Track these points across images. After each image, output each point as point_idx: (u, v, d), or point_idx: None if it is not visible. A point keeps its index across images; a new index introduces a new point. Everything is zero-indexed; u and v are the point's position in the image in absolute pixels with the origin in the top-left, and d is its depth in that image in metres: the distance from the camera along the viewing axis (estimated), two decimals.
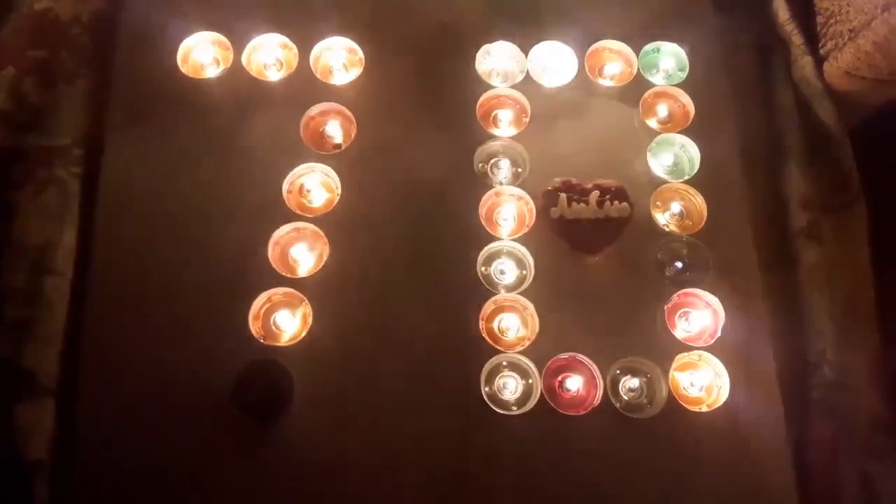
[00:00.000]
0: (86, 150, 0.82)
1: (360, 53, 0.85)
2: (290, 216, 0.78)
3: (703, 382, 0.74)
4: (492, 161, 0.83)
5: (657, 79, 0.87)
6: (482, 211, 0.80)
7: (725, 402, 0.72)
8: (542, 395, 0.73)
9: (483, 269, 0.78)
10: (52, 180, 0.80)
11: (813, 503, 0.73)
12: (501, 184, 0.81)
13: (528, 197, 0.80)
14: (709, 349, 0.75)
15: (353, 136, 0.82)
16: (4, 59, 0.82)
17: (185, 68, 0.84)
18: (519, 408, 0.73)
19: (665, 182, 0.81)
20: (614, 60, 0.87)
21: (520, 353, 0.74)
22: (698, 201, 0.81)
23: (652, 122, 0.85)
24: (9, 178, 0.79)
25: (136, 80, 0.83)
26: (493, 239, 0.79)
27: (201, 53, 0.85)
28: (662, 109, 0.85)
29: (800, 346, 0.79)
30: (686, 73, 0.86)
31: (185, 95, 0.83)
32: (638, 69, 0.86)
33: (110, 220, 0.78)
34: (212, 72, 0.84)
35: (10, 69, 0.81)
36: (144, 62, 0.84)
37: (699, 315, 0.76)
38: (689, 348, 0.75)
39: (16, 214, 0.78)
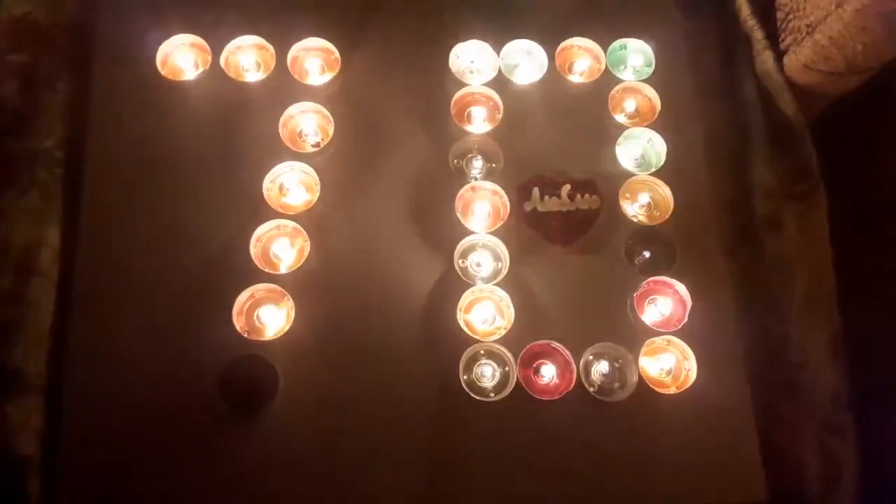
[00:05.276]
0: (67, 151, 0.82)
1: (337, 54, 0.87)
2: (271, 214, 0.80)
3: (672, 366, 0.77)
4: (466, 157, 0.85)
5: (625, 75, 0.89)
6: (458, 205, 0.82)
7: (693, 384, 0.75)
8: (518, 381, 0.75)
9: (460, 261, 0.80)
10: (35, 183, 0.81)
11: (778, 477, 0.77)
12: (476, 179, 0.83)
13: (502, 191, 0.82)
14: (676, 334, 0.77)
15: (331, 134, 0.84)
16: None
17: (164, 71, 0.85)
18: (496, 394, 0.75)
19: (633, 175, 0.84)
20: (583, 57, 0.90)
21: (496, 341, 0.77)
22: (665, 192, 0.83)
23: (620, 117, 0.87)
24: None
25: (116, 83, 0.84)
26: (468, 232, 0.81)
27: (180, 56, 0.86)
28: (630, 104, 0.88)
29: (764, 329, 0.82)
30: (653, 69, 0.89)
31: (165, 97, 0.84)
32: (606, 66, 0.89)
33: (94, 220, 0.79)
34: (191, 74, 0.85)
35: None
36: (124, 65, 0.85)
37: (667, 301, 0.79)
38: (657, 333, 0.78)
39: (0, 218, 0.79)
